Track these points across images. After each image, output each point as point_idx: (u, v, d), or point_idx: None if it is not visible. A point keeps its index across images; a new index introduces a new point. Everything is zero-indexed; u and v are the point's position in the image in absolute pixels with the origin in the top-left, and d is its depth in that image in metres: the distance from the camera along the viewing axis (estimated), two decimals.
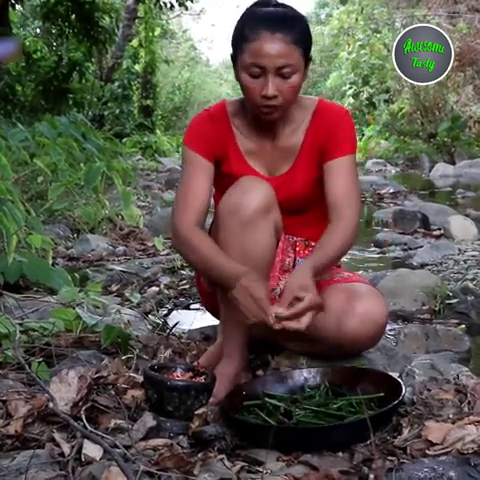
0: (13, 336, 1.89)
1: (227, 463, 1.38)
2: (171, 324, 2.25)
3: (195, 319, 2.36)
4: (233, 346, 1.79)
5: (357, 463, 1.38)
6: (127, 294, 2.79)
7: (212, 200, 1.91)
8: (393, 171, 12.59)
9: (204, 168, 1.85)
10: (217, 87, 30.53)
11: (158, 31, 18.17)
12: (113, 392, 1.62)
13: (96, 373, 1.63)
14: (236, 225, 1.70)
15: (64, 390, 1.53)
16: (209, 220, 1.92)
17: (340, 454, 1.41)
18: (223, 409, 1.57)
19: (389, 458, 1.38)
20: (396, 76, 14.21)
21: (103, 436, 1.41)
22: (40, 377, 1.66)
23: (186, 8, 14.75)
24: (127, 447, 1.37)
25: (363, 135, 17.15)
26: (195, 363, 1.85)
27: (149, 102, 17.40)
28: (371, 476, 1.30)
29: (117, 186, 3.61)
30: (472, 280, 3.23)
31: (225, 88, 30.76)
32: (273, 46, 1.69)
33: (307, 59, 1.77)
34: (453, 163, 11.98)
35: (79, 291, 2.41)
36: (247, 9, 1.78)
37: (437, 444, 1.38)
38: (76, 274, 2.98)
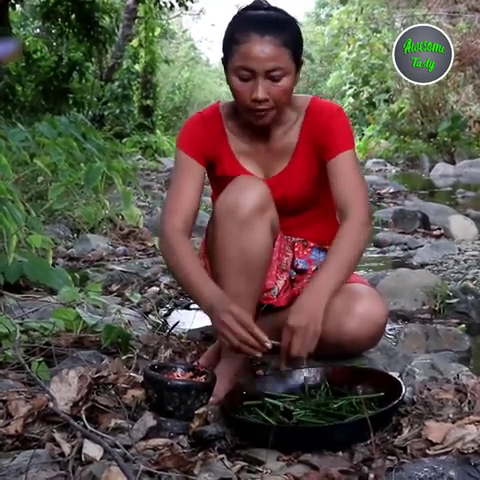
0: (13, 336, 1.89)
1: (227, 463, 1.38)
2: (171, 324, 2.25)
3: (195, 319, 2.35)
4: None
5: (357, 463, 1.38)
6: (127, 294, 2.79)
7: (210, 200, 1.91)
8: (393, 171, 12.60)
9: (195, 171, 1.85)
10: (217, 87, 30.48)
11: (158, 31, 18.18)
12: (113, 392, 1.62)
13: (96, 373, 1.62)
14: (233, 225, 1.70)
15: (64, 390, 1.53)
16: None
17: (340, 454, 1.41)
18: (223, 409, 1.57)
19: (389, 458, 1.38)
20: (396, 76, 14.21)
21: (103, 436, 1.41)
22: (40, 377, 1.66)
23: (186, 8, 14.77)
24: (127, 447, 1.37)
25: (363, 135, 17.16)
26: (195, 363, 1.85)
27: (149, 102, 17.40)
28: (371, 476, 1.30)
29: (117, 186, 3.62)
30: (472, 280, 3.23)
31: (225, 88, 30.60)
32: (262, 49, 1.67)
33: (298, 62, 1.75)
34: (453, 163, 11.98)
35: (79, 291, 2.41)
36: (238, 12, 1.77)
37: (437, 444, 1.38)
38: (76, 274, 2.98)
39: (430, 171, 11.48)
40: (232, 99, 1.83)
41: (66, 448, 1.37)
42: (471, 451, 1.34)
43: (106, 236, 4.27)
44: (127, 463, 1.28)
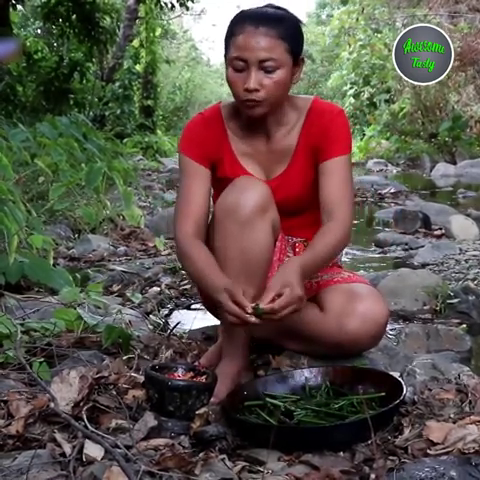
0: (14, 336, 1.89)
1: (228, 463, 1.39)
2: (172, 324, 2.25)
3: (196, 319, 2.36)
4: (234, 346, 1.79)
5: (358, 463, 1.38)
6: (128, 294, 2.80)
7: (211, 201, 1.92)
8: (394, 171, 12.60)
9: (200, 175, 1.86)
10: (218, 87, 30.50)
11: (159, 31, 18.20)
12: (114, 392, 1.62)
13: (97, 373, 1.63)
14: (234, 225, 1.70)
15: (65, 390, 1.53)
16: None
17: (341, 454, 1.41)
18: (224, 409, 1.57)
19: (390, 458, 1.38)
20: (397, 76, 14.21)
21: (104, 436, 1.41)
22: (41, 377, 1.66)
23: (187, 8, 14.78)
24: (128, 447, 1.37)
25: (364, 135, 17.17)
26: (196, 363, 1.85)
27: (150, 102, 17.41)
28: (372, 476, 1.30)
29: (118, 186, 3.61)
30: (473, 280, 3.24)
31: (226, 88, 30.60)
32: (256, 39, 1.69)
33: (296, 57, 1.76)
34: (454, 163, 11.99)
35: (80, 291, 2.41)
36: (240, 10, 1.80)
37: (438, 444, 1.38)
38: (77, 274, 2.98)
39: (431, 171, 11.49)
40: (233, 99, 1.83)
41: (67, 448, 1.37)
42: (472, 451, 1.34)
43: (107, 236, 4.27)
44: (128, 463, 1.28)
